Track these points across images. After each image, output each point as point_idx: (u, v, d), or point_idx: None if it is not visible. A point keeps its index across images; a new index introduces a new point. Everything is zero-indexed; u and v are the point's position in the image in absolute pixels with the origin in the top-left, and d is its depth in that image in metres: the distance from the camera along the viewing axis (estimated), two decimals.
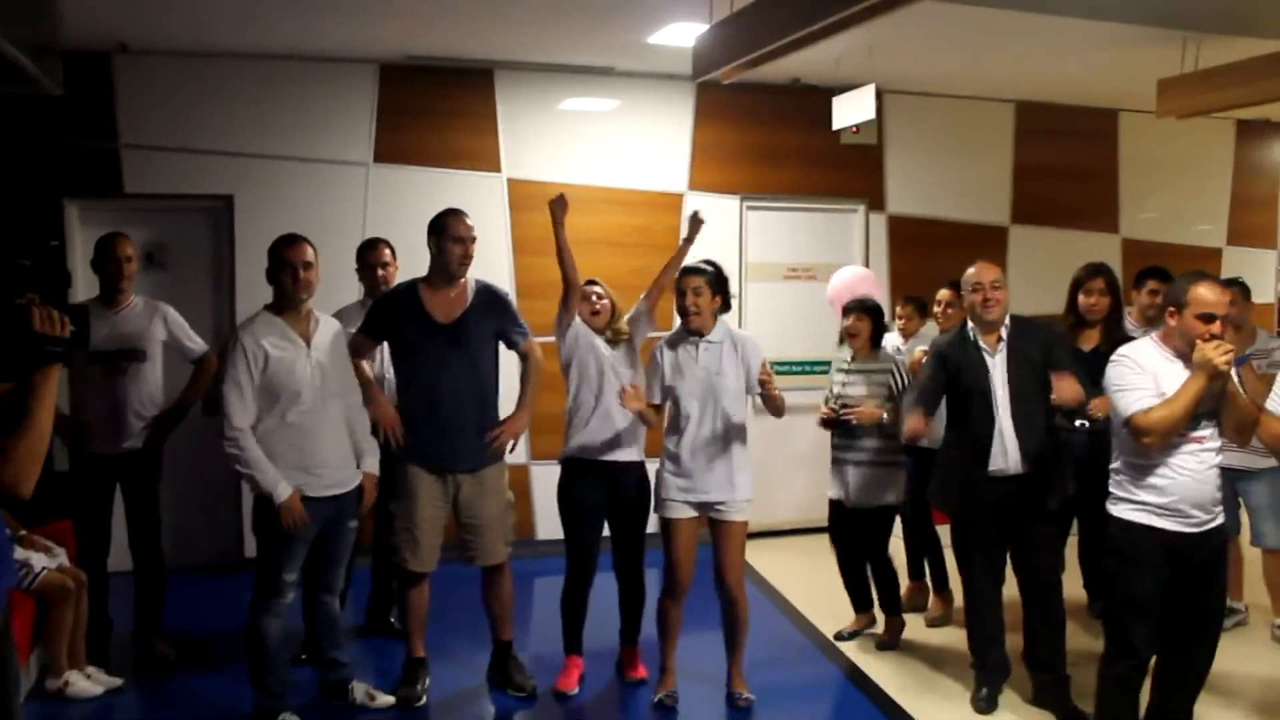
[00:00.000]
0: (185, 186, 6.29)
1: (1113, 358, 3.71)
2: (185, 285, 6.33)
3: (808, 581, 6.31)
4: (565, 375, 4.77)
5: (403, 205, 6.58)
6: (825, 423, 5.15)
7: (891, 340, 5.81)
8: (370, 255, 5.19)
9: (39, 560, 4.41)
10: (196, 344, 4.91)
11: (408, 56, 6.46)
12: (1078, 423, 4.52)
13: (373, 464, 4.36)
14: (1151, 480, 3.62)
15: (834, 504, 5.30)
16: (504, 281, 6.78)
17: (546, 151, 6.90)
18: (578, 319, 4.76)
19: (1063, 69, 6.80)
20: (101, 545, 4.83)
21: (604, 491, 4.69)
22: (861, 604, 5.45)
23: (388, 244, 5.26)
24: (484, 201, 6.78)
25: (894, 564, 5.35)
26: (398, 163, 6.65)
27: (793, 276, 7.51)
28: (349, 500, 4.24)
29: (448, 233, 4.60)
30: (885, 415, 4.98)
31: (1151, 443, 3.54)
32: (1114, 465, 3.77)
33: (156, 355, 4.76)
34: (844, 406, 5.02)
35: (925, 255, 7.29)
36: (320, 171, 6.49)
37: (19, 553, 4.40)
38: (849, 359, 5.28)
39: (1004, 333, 4.35)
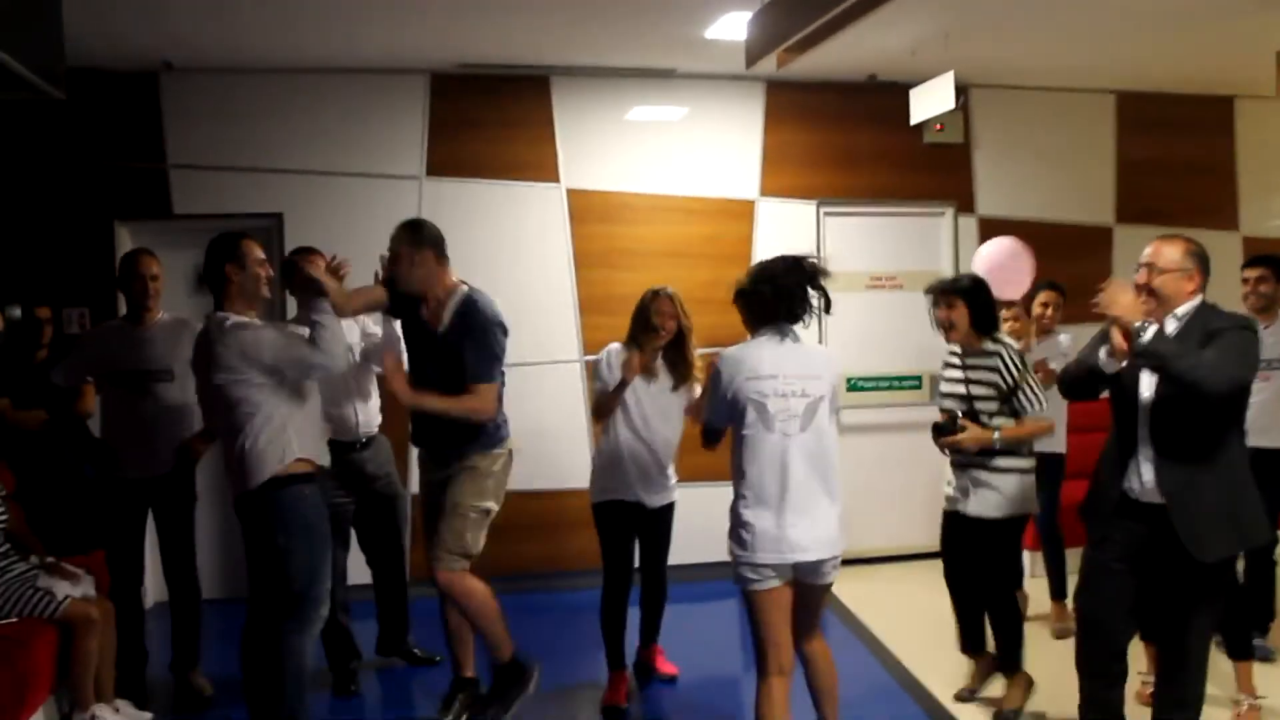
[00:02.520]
0: (234, 206, 6.27)
1: None
2: None
3: (894, 613, 5.96)
4: None
5: (458, 219, 6.43)
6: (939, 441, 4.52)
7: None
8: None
9: (62, 588, 4.33)
10: None
11: (460, 64, 6.36)
12: None
13: None
14: None
15: (949, 516, 4.62)
16: (565, 296, 6.66)
17: (607, 160, 6.74)
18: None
19: (1167, 51, 6.42)
20: (134, 574, 4.74)
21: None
22: (974, 642, 4.72)
23: (320, 253, 5.03)
24: (542, 214, 6.65)
25: (1019, 604, 4.62)
26: (452, 175, 6.55)
27: (876, 286, 7.19)
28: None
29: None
30: (997, 435, 4.29)
31: None
32: None
33: (186, 374, 4.66)
34: (940, 433, 4.44)
35: None
36: (371, 186, 6.42)
37: (42, 580, 4.34)
38: (958, 350, 4.59)
39: (1169, 323, 3.54)
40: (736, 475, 3.63)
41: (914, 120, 6.14)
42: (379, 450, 5.03)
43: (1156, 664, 3.80)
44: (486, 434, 4.23)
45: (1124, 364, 3.50)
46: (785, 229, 6.94)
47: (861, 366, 7.14)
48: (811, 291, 3.64)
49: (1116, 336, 3.46)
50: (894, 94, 6.63)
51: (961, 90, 6.67)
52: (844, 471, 6.98)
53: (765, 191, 6.96)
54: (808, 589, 3.65)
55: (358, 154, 6.43)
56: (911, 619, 5.72)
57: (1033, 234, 7.24)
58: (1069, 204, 7.43)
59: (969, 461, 4.44)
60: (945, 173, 7.23)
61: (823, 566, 3.60)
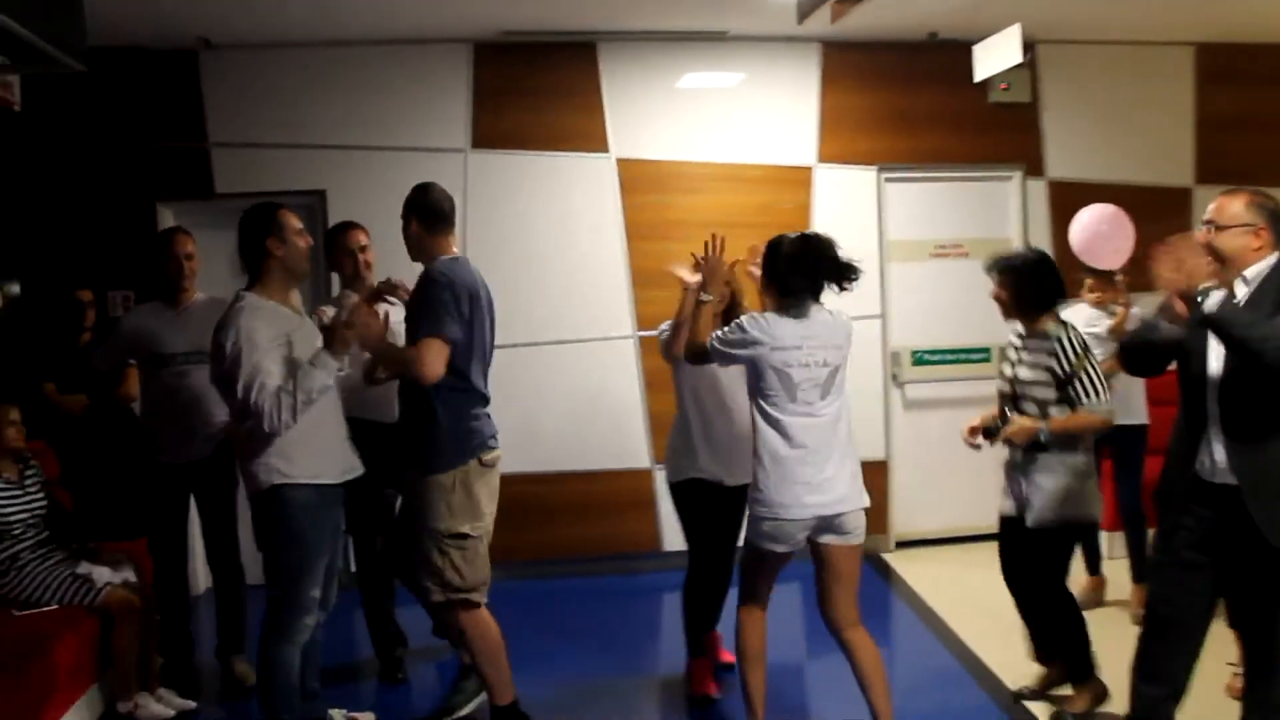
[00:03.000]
0: (277, 184, 6.12)
1: None
2: None
3: (960, 596, 5.73)
4: None
5: (505, 192, 6.36)
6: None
7: (1081, 313, 5.22)
8: (346, 240, 4.81)
9: (102, 575, 4.27)
10: None
11: (503, 32, 6.19)
12: None
13: None
14: None
15: (1002, 521, 4.33)
16: (618, 270, 6.48)
17: (658, 128, 6.53)
18: None
19: None
20: (177, 560, 4.67)
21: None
22: (1045, 650, 4.42)
23: (364, 228, 4.90)
24: (592, 185, 6.48)
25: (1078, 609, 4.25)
26: (497, 148, 6.39)
27: (941, 254, 6.92)
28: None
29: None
30: (1044, 426, 4.01)
31: None
32: None
33: None
34: (987, 436, 4.26)
35: None
36: (416, 160, 6.26)
37: (82, 567, 4.27)
38: (1020, 331, 4.29)
39: (1239, 287, 3.24)
40: (757, 437, 3.70)
41: (978, 77, 5.87)
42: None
43: (1244, 657, 3.46)
44: (437, 443, 3.80)
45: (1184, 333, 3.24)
46: (844, 196, 6.69)
47: (926, 339, 6.88)
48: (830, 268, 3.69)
49: (1177, 303, 3.20)
50: (956, 52, 6.35)
51: (1028, 46, 6.36)
52: (908, 449, 6.75)
53: (823, 157, 6.70)
54: (834, 553, 3.71)
55: (401, 128, 6.29)
56: (979, 603, 5.43)
57: (1106, 197, 6.86)
58: (1145, 165, 7.06)
59: (1018, 460, 4.17)
60: (1012, 134, 6.92)
61: (844, 521, 3.67)
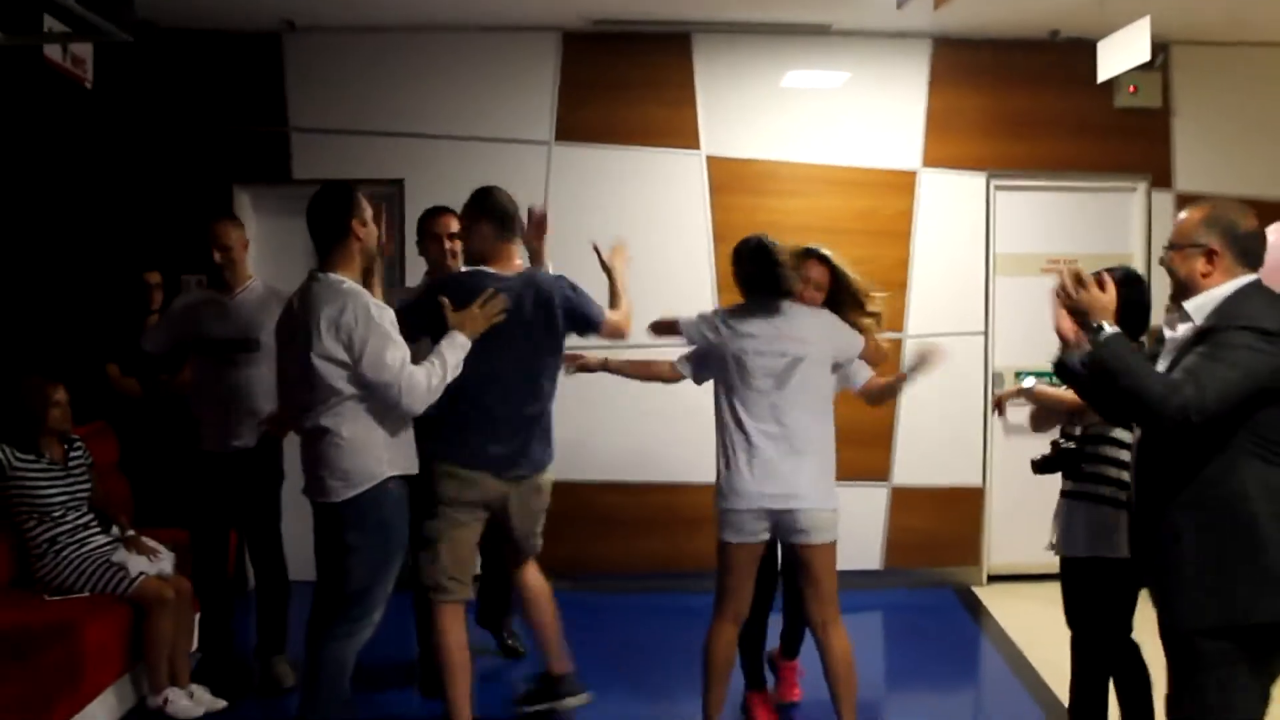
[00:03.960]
0: (355, 171, 5.99)
1: None
2: None
3: (1056, 639, 5.29)
4: None
5: (589, 187, 6.15)
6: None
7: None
8: (437, 224, 4.65)
9: (137, 564, 4.16)
10: None
11: (593, 21, 5.99)
12: None
13: None
14: None
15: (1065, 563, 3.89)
16: (703, 274, 6.21)
17: (753, 125, 6.23)
18: None
19: None
20: (217, 553, 4.55)
21: None
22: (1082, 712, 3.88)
23: (455, 213, 4.69)
24: (680, 183, 6.23)
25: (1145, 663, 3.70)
26: (583, 141, 6.18)
27: (1053, 269, 6.46)
28: None
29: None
30: (1028, 380, 4.02)
31: None
32: None
33: (272, 345, 4.43)
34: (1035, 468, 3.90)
35: None
36: (497, 152, 6.10)
37: (118, 555, 4.17)
38: None
39: (1180, 324, 2.88)
40: (718, 427, 3.85)
41: (1101, 76, 5.42)
42: None
43: None
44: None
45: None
46: (950, 203, 6.32)
47: (1034, 358, 6.38)
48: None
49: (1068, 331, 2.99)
50: (1079, 52, 5.91)
51: (1160, 47, 5.93)
52: (1008, 476, 6.30)
53: (928, 162, 6.32)
54: (799, 552, 3.80)
55: (483, 117, 6.13)
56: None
57: None
58: None
59: (1064, 487, 3.83)
60: (1138, 142, 6.42)
61: (798, 518, 3.74)
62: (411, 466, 3.63)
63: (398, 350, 3.42)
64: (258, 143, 6.09)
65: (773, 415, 3.75)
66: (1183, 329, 2.81)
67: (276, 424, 4.34)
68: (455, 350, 3.56)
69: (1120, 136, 6.42)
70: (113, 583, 4.09)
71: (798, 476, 3.73)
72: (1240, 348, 2.62)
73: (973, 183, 6.35)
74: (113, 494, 4.68)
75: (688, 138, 6.24)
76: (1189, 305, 2.81)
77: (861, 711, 4.61)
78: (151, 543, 4.36)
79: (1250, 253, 2.78)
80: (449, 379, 3.52)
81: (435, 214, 4.70)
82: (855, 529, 6.29)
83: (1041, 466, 3.80)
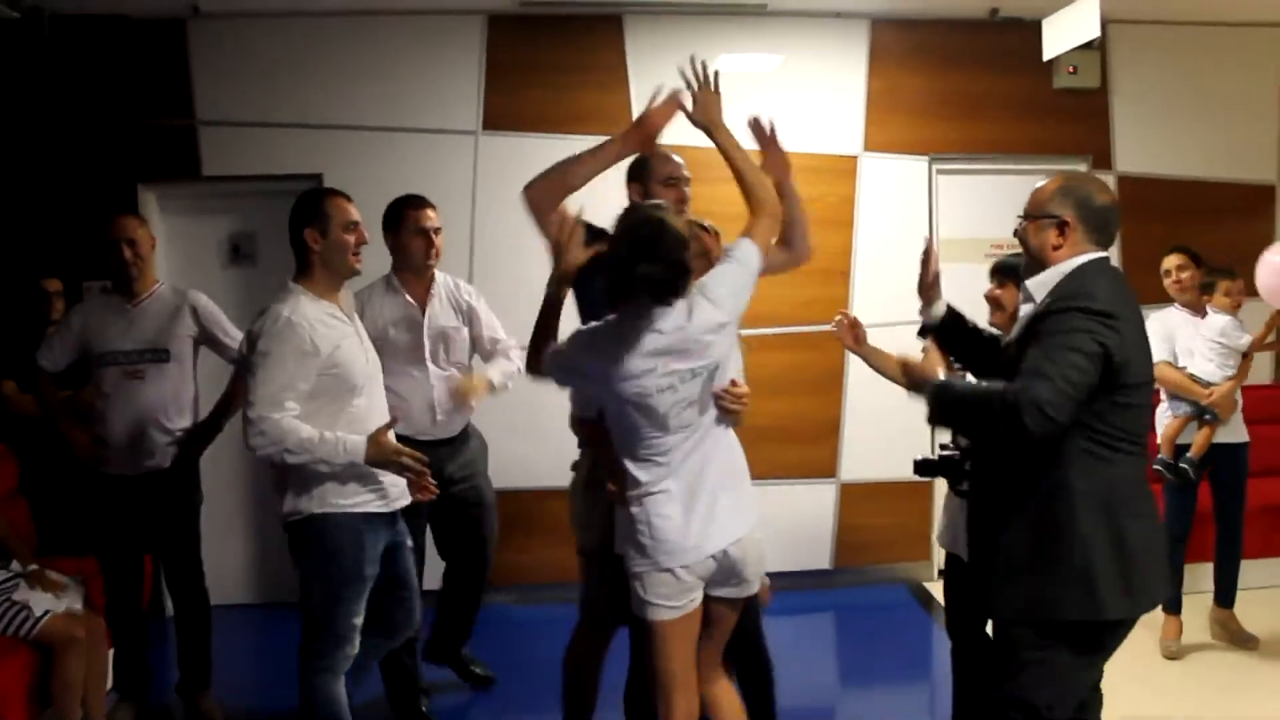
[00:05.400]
0: (270, 166, 5.74)
1: None
2: (275, 277, 5.72)
3: None
4: None
5: (518, 178, 5.67)
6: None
7: (1215, 323, 4.96)
8: (419, 218, 4.29)
9: (41, 603, 3.82)
10: (235, 340, 4.19)
11: (520, 3, 5.74)
12: None
13: None
14: None
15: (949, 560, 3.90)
16: None
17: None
18: None
19: None
20: (131, 583, 4.22)
21: None
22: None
23: (431, 204, 4.38)
24: (614, 171, 5.92)
25: None
26: (511, 130, 5.90)
27: (997, 254, 6.35)
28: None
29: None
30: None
31: None
32: None
33: (184, 355, 4.12)
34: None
35: (1166, 223, 6.01)
36: (421, 143, 5.83)
37: (19, 592, 3.82)
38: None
39: (1024, 304, 2.92)
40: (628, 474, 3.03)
41: (1047, 54, 5.34)
42: (463, 449, 4.38)
43: None
44: None
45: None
46: (893, 188, 6.18)
47: None
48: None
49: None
50: (1020, 31, 5.87)
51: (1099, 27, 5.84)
52: None
53: (870, 146, 6.18)
54: (718, 604, 3.09)
55: (405, 107, 5.84)
56: None
57: (1180, 194, 6.42)
58: (1224, 159, 6.51)
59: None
60: (1078, 123, 6.36)
61: (736, 559, 3.00)
62: (381, 503, 3.36)
63: (267, 386, 3.14)
64: (163, 137, 5.71)
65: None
66: (1024, 309, 2.76)
67: (194, 441, 4.03)
68: (331, 451, 3.16)
69: (1060, 118, 6.35)
70: (14, 624, 3.74)
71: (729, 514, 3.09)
72: (1076, 331, 2.54)
73: (915, 167, 6.22)
74: (12, 523, 4.30)
75: (621, 124, 5.91)
76: (1031, 283, 2.76)
77: (817, 715, 4.51)
78: (57, 576, 3.99)
79: (1103, 228, 2.74)
80: (299, 458, 3.15)
81: (417, 205, 4.30)
82: (804, 528, 6.17)
83: (922, 468, 3.62)
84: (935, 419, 2.79)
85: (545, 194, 3.57)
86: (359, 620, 3.36)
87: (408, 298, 4.25)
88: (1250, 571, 5.22)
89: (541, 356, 3.10)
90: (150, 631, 4.46)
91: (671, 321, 2.95)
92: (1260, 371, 6.07)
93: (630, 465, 3.00)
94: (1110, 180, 6.37)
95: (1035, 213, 2.77)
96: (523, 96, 5.91)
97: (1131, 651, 3.41)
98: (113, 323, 4.08)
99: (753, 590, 3.12)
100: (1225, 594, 5.08)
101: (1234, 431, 4.94)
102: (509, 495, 5.31)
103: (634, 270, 2.90)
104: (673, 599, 2.97)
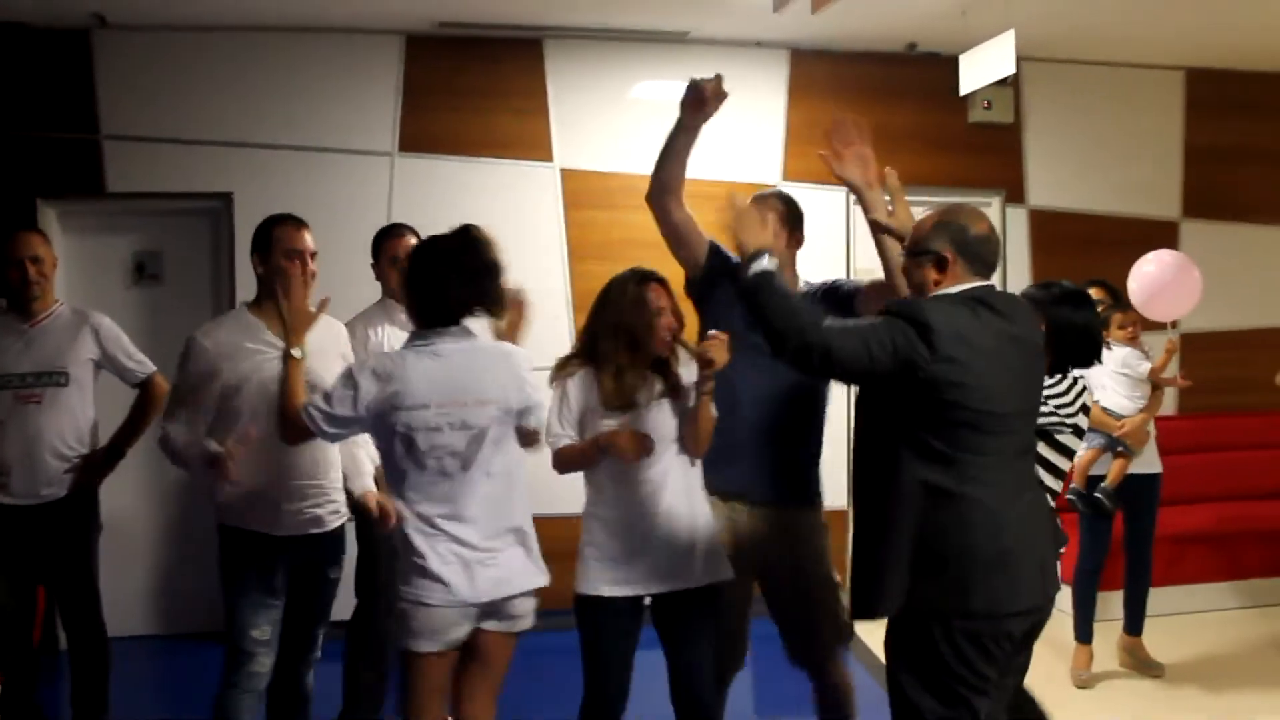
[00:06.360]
0: (178, 184, 5.61)
1: None
2: (183, 298, 5.67)
3: None
4: None
5: (435, 202, 5.75)
6: None
7: (1115, 354, 5.02)
8: (393, 246, 4.23)
9: None
10: (139, 364, 4.06)
11: (438, 24, 5.68)
12: None
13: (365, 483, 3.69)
14: None
15: None
16: (557, 294, 5.94)
17: (609, 137, 6.02)
18: None
19: (1242, 21, 5.74)
20: (23, 617, 3.99)
21: None
22: None
23: (414, 232, 4.33)
24: (534, 197, 5.97)
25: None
26: (428, 152, 5.86)
27: None
28: (331, 543, 3.58)
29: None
30: None
31: None
32: None
33: (84, 379, 3.94)
34: None
35: (1076, 257, 6.16)
36: (336, 163, 5.75)
37: None
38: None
39: None
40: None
41: (964, 90, 5.42)
42: None
43: None
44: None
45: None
46: (811, 218, 6.15)
47: None
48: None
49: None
50: (936, 66, 5.97)
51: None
52: None
53: (789, 176, 6.21)
54: (487, 639, 3.01)
55: (320, 126, 5.75)
56: None
57: (1089, 228, 6.60)
58: (1130, 195, 6.71)
59: None
60: (992, 157, 6.51)
61: (506, 606, 2.98)
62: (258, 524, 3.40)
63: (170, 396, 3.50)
64: (65, 151, 5.55)
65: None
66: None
67: (93, 469, 3.90)
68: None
69: (975, 152, 6.49)
70: None
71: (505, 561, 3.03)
72: (884, 326, 2.61)
73: (833, 197, 6.24)
74: None
75: (540, 149, 5.98)
76: None
77: None
78: None
79: (980, 258, 2.74)
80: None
81: (393, 234, 4.25)
82: None
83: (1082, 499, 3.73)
84: (747, 295, 2.76)
85: (664, 190, 3.56)
86: (260, 635, 3.40)
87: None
88: (1156, 599, 5.32)
89: None
90: (42, 668, 4.25)
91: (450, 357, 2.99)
92: (1165, 404, 6.23)
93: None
94: (1022, 214, 6.55)
95: (914, 249, 2.77)
96: (440, 119, 5.87)
97: (1042, 679, 3.49)
98: (8, 344, 3.89)
99: (515, 628, 3.05)
100: (1134, 622, 5.17)
101: (1148, 462, 5.04)
102: None
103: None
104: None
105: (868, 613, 2.72)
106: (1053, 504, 3.34)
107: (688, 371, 3.33)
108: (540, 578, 3.05)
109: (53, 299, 4.04)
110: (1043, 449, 3.36)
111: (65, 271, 5.03)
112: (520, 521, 3.05)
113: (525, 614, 3.04)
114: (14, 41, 5.44)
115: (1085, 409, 3.56)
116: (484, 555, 2.93)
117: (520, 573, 3.01)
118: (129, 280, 5.73)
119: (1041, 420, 3.18)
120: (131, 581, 5.60)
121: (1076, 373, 3.51)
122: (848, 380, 2.82)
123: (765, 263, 2.73)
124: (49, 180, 5.56)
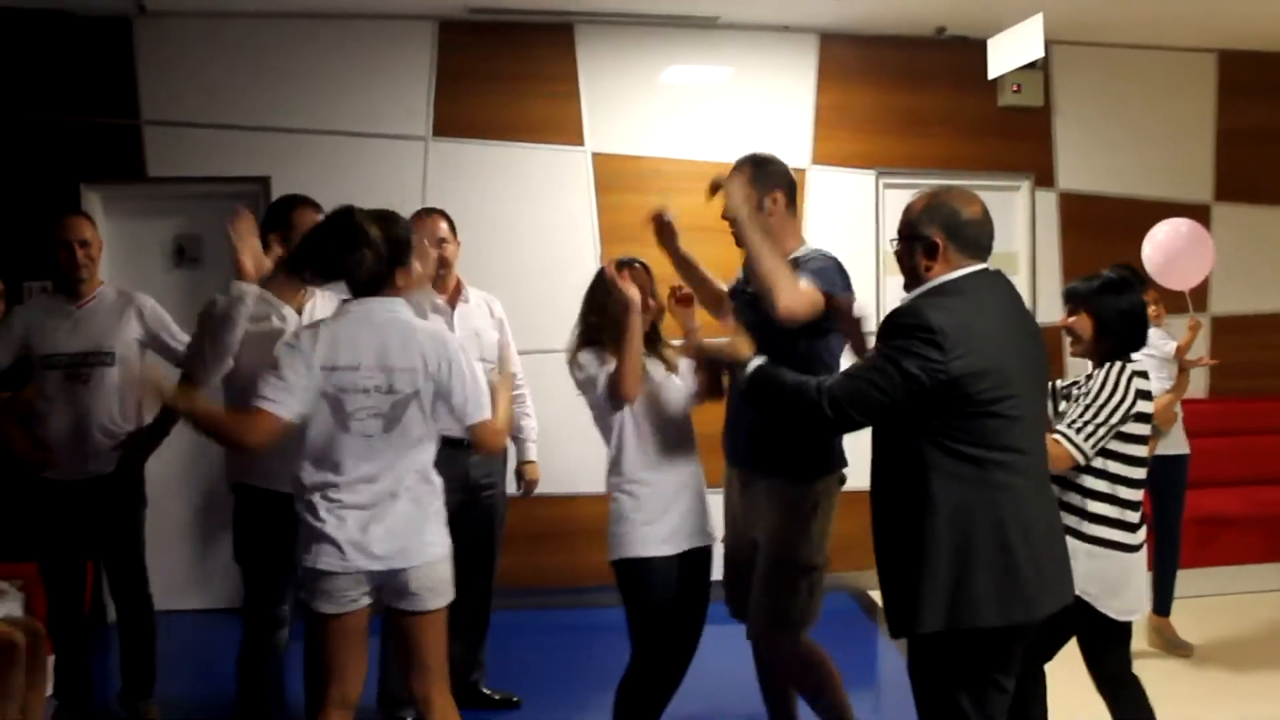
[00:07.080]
0: (216, 168, 5.72)
1: None
2: (222, 281, 5.72)
3: None
4: None
5: (468, 185, 5.89)
6: None
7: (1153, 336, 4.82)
8: (426, 228, 4.28)
9: None
10: (182, 343, 4.14)
11: (471, 10, 5.76)
12: None
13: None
14: None
15: None
16: (589, 275, 5.99)
17: (639, 121, 6.10)
18: None
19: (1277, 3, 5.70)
20: (73, 589, 4.16)
21: None
22: None
23: (445, 216, 4.41)
24: (565, 181, 6.04)
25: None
26: (461, 136, 5.94)
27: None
28: None
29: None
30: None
31: None
32: None
33: (130, 358, 4.07)
34: None
35: (1106, 241, 6.11)
36: (370, 148, 5.84)
37: None
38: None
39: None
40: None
41: (992, 74, 5.47)
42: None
43: None
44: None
45: None
46: (840, 202, 6.28)
47: None
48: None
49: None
50: (965, 50, 6.01)
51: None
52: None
53: (818, 159, 6.28)
54: (401, 617, 3.05)
55: (355, 111, 5.84)
56: None
57: (1120, 211, 6.60)
58: (1162, 178, 6.70)
59: None
60: (1022, 141, 6.53)
61: (406, 581, 2.98)
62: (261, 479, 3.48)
63: None
64: (107, 137, 5.67)
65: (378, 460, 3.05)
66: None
67: (138, 446, 4.02)
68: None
69: (1004, 135, 6.50)
70: None
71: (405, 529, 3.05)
72: (896, 347, 2.56)
73: (862, 180, 6.33)
74: None
75: (572, 134, 6.06)
76: (904, 298, 2.77)
77: None
78: None
79: (974, 241, 2.71)
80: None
81: (423, 216, 4.29)
82: None
83: None
84: (751, 397, 2.84)
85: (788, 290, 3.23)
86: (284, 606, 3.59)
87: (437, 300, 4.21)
88: (1185, 581, 5.36)
89: None
90: (92, 638, 4.40)
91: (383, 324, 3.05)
92: (1195, 386, 6.24)
93: None
94: (1052, 197, 6.57)
95: (905, 234, 2.75)
96: (473, 103, 5.95)
97: (1071, 658, 3.54)
98: (56, 324, 4.04)
99: (425, 607, 3.03)
100: (1162, 602, 5.22)
101: (1175, 443, 5.08)
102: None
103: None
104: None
105: (907, 629, 2.65)
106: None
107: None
108: (437, 549, 3.05)
109: (98, 281, 4.18)
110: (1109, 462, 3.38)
111: (108, 255, 5.13)
112: (422, 492, 3.04)
113: (431, 589, 3.02)
114: (57, 29, 5.56)
115: (1142, 394, 3.42)
116: (377, 513, 2.95)
117: (416, 546, 2.99)
118: (169, 263, 5.85)
119: (1098, 433, 3.27)
120: (175, 557, 5.73)
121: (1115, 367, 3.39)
122: (878, 423, 2.70)
123: (751, 367, 2.84)
124: (92, 165, 5.68)
